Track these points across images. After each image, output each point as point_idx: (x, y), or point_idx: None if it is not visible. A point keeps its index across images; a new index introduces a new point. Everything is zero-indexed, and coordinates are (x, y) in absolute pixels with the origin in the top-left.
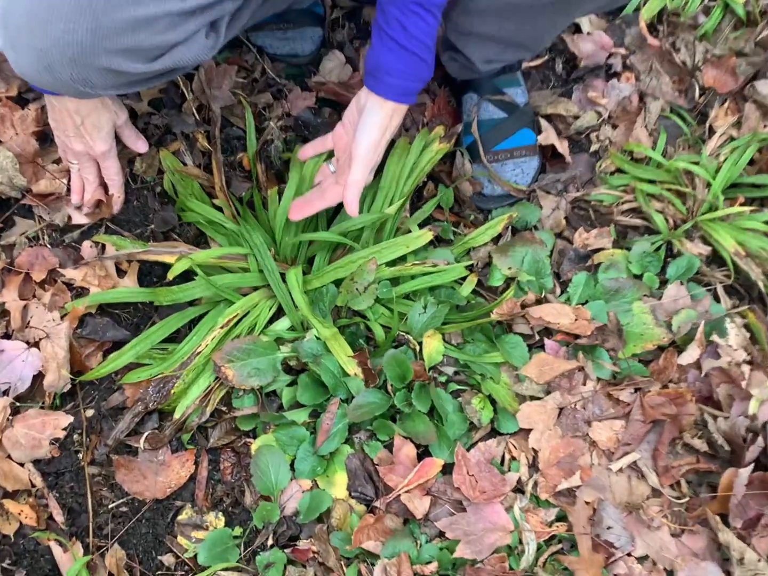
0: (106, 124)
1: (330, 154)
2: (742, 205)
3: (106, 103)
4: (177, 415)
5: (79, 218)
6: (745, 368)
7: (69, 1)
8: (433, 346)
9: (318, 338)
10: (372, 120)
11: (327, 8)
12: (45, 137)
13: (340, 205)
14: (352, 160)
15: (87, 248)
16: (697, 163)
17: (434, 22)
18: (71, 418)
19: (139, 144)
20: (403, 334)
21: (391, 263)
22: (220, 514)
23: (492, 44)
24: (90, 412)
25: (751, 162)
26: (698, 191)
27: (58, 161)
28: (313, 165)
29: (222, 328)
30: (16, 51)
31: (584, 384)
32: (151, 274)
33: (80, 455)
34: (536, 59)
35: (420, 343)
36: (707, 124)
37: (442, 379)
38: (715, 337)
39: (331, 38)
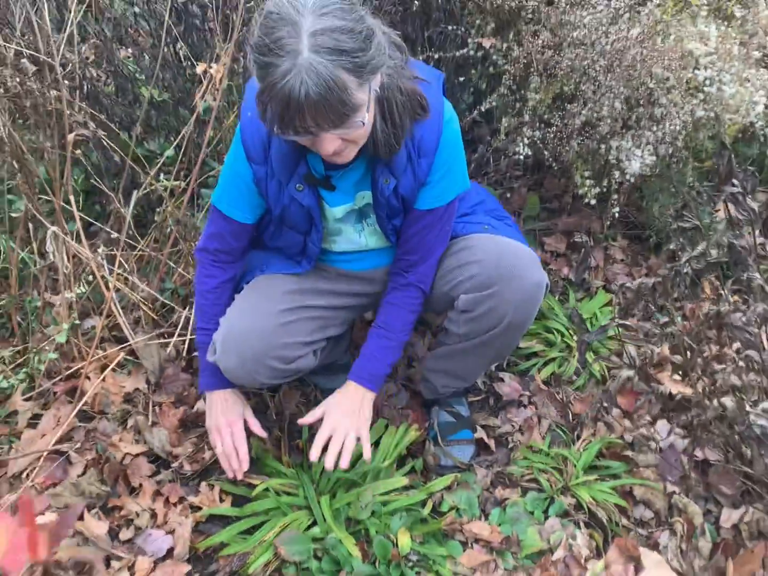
0: (240, 405)
1: None
2: (595, 478)
3: (242, 399)
4: (250, 570)
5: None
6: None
7: (257, 332)
8: (404, 541)
9: (335, 536)
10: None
11: None
12: (183, 424)
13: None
14: None
15: (204, 487)
16: (567, 456)
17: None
18: (189, 567)
19: (256, 430)
20: (386, 533)
21: (384, 493)
22: None
23: (445, 375)
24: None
25: (601, 454)
26: (569, 468)
27: (190, 437)
28: None
29: (280, 527)
30: (228, 357)
31: (495, 571)
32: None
33: None
34: (479, 395)
35: (396, 538)
36: (575, 434)
37: (410, 564)
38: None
39: None
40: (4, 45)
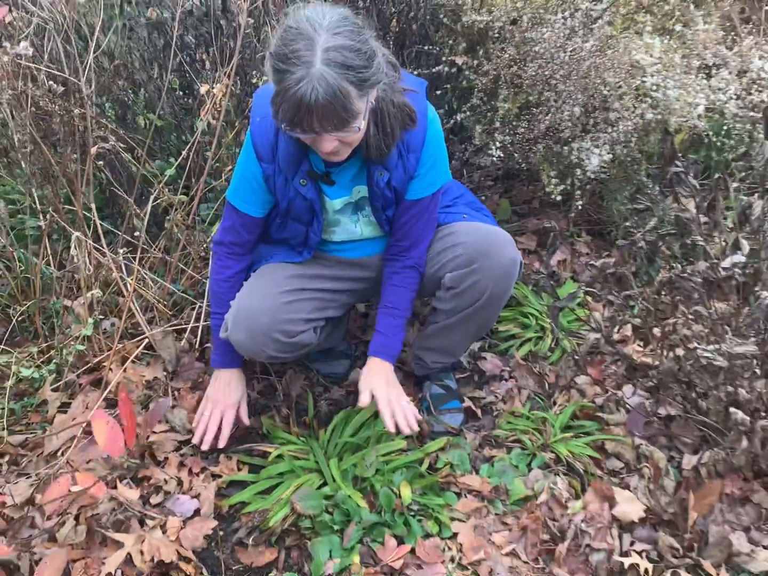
0: (240, 392)
1: None
2: (571, 436)
3: (243, 385)
4: (270, 524)
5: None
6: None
7: (263, 309)
8: (406, 493)
9: (344, 492)
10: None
11: (353, 346)
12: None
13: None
14: None
15: (223, 458)
16: (546, 417)
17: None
18: (215, 523)
19: (244, 419)
20: (390, 486)
21: (385, 454)
22: None
23: (434, 352)
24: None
25: (575, 416)
26: (548, 428)
27: None
28: None
29: (295, 486)
30: (238, 331)
31: (487, 516)
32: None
33: (216, 549)
34: (464, 373)
35: (399, 491)
36: (552, 400)
37: (412, 513)
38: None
39: (356, 364)
40: (35, 67)
